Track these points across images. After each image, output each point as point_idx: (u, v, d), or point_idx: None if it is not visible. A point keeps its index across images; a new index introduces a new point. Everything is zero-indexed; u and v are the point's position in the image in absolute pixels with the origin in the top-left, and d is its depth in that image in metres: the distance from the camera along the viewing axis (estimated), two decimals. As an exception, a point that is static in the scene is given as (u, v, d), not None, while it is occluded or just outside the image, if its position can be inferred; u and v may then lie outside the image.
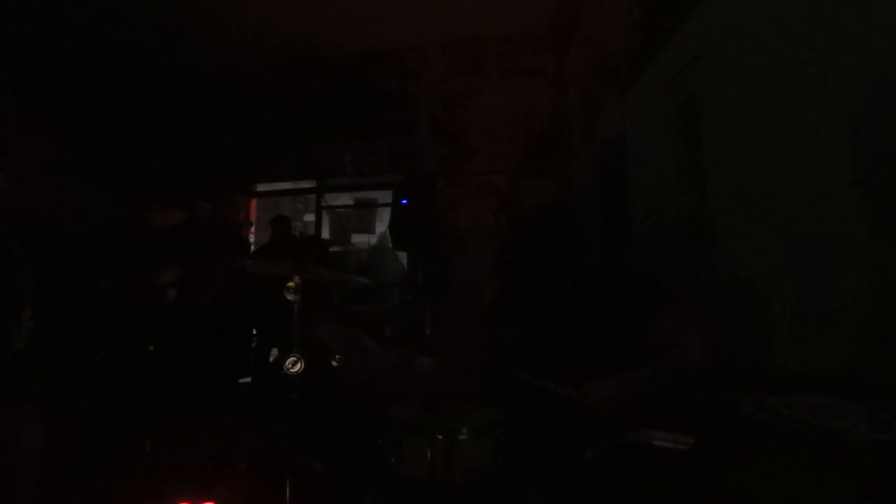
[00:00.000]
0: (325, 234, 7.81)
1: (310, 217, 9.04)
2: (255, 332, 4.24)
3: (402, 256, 5.82)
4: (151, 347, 2.67)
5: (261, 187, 6.80)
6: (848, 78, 1.22)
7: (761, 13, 1.59)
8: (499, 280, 1.59)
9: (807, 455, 0.77)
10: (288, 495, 1.72)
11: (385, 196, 6.32)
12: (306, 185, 6.57)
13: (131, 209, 3.09)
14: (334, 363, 1.83)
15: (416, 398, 1.43)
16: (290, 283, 1.82)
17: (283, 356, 1.79)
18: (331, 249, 6.10)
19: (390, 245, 4.62)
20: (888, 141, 1.10)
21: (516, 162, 5.35)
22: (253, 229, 6.79)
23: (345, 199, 8.89)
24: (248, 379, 4.24)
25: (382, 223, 8.71)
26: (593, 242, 1.76)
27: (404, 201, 4.30)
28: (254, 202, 6.87)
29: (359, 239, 9.58)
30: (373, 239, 9.16)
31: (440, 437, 1.35)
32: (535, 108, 5.35)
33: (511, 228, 1.60)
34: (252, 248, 5.87)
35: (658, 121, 2.41)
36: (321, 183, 6.37)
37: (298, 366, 1.77)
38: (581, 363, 1.44)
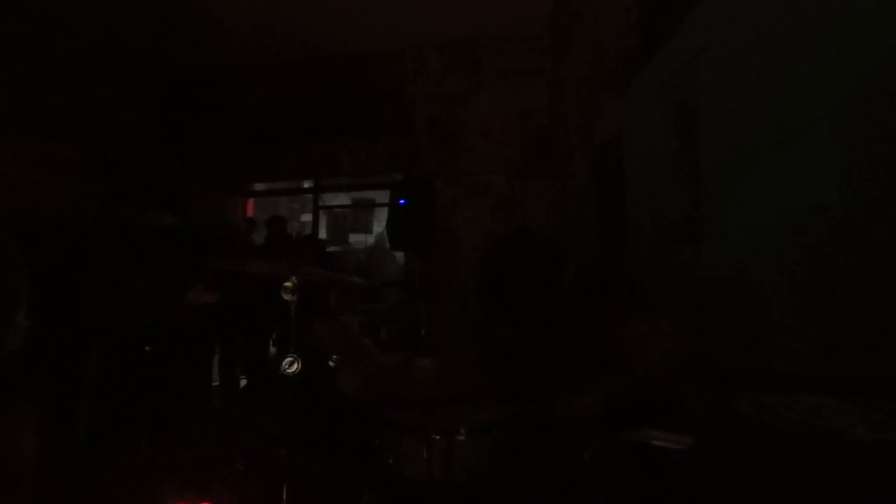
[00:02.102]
0: (323, 233, 7.79)
1: (307, 217, 9.04)
2: (252, 332, 4.22)
3: (399, 256, 5.83)
4: (148, 348, 2.66)
5: (258, 187, 6.78)
6: (844, 78, 1.22)
7: (758, 13, 1.60)
8: (480, 301, 1.66)
9: (805, 455, 0.77)
10: (285, 496, 1.71)
11: (382, 196, 6.32)
12: (304, 184, 6.56)
13: (127, 210, 3.07)
14: (331, 363, 1.83)
15: (414, 398, 1.42)
16: (287, 284, 1.81)
17: (280, 356, 1.78)
18: (328, 249, 6.09)
19: (387, 245, 4.62)
20: (884, 141, 1.10)
21: (514, 162, 5.35)
22: (250, 229, 6.77)
23: (342, 199, 8.87)
24: (245, 380, 4.23)
25: (380, 223, 8.70)
26: (568, 257, 1.86)
27: (401, 201, 4.30)
28: (251, 202, 6.86)
29: (356, 239, 9.55)
30: (370, 239, 9.15)
31: (437, 437, 1.35)
32: (532, 108, 5.35)
33: (484, 257, 1.69)
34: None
35: (655, 120, 2.41)
36: (318, 183, 6.36)
37: (295, 366, 1.76)
38: (562, 371, 1.48)
